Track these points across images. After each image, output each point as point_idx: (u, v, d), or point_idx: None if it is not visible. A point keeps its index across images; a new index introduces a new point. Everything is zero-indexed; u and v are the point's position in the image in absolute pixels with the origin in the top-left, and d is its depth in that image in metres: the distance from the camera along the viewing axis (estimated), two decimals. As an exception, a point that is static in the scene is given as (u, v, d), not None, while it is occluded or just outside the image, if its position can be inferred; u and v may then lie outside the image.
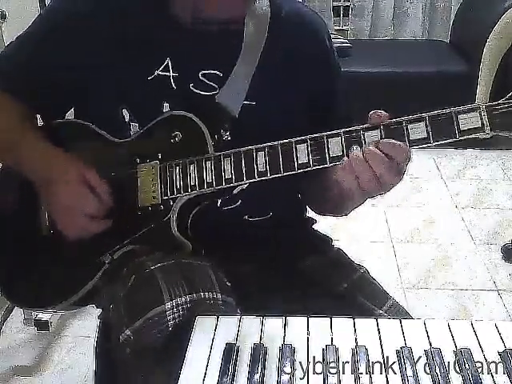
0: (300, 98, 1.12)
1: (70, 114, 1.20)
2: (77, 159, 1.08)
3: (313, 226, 1.28)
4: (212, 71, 1.08)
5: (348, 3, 4.12)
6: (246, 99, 1.08)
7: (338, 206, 1.14)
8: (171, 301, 0.91)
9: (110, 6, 1.08)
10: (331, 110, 1.16)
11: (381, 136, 0.91)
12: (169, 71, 1.07)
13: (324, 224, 1.26)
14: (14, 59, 1.15)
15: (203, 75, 1.08)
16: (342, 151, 0.93)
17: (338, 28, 4.16)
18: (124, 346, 0.93)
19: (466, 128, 0.89)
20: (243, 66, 1.08)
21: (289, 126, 1.04)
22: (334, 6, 4.14)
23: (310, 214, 1.27)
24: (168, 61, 1.07)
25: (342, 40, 3.68)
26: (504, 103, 0.88)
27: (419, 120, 0.90)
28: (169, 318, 0.90)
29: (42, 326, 2.02)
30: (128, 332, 0.92)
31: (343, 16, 4.18)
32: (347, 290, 1.14)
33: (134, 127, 1.09)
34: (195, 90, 1.08)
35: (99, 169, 1.07)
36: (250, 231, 1.14)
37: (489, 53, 3.34)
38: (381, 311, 1.10)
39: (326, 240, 1.27)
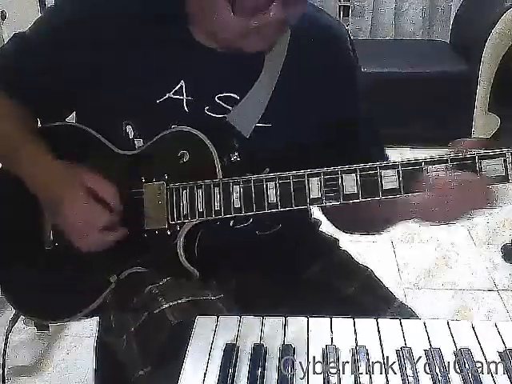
0: (319, 119, 1.05)
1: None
2: (79, 169, 1.03)
3: (319, 229, 1.27)
4: (229, 94, 1.03)
5: (348, 3, 4.12)
6: (261, 121, 1.03)
7: (366, 228, 1.12)
8: None
9: (118, 19, 1.01)
10: (353, 133, 1.09)
11: (398, 175, 0.88)
12: (182, 95, 1.01)
13: (325, 224, 1.25)
14: (13, 62, 1.10)
15: (220, 98, 1.03)
16: (357, 189, 0.89)
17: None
18: (140, 381, 0.94)
19: (489, 176, 0.86)
20: (261, 87, 1.02)
21: (303, 148, 1.02)
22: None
23: (314, 215, 1.25)
24: (182, 84, 1.01)
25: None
26: None
27: (440, 162, 0.87)
28: None
29: (41, 326, 2.01)
30: (142, 372, 0.94)
31: (343, 16, 4.18)
32: (356, 292, 1.13)
33: (139, 142, 1.04)
34: (209, 114, 1.03)
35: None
36: (259, 244, 1.11)
37: (489, 53, 3.33)
38: (391, 310, 1.09)
39: (332, 241, 1.25)
